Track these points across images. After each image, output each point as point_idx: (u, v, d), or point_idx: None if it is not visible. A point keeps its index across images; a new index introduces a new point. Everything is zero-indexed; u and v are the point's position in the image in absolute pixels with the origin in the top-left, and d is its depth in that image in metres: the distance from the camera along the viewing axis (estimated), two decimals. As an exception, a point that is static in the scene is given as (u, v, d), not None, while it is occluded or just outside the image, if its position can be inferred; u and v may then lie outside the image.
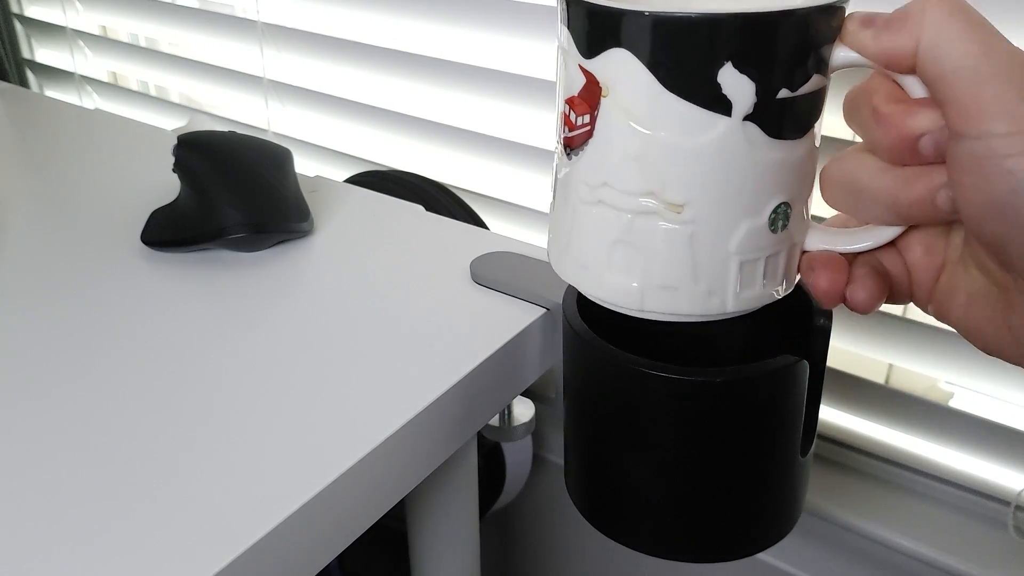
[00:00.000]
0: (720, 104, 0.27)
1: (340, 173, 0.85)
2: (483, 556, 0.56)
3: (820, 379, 0.37)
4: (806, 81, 0.28)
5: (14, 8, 1.10)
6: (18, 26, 1.11)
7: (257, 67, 0.87)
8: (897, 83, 0.27)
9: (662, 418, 0.34)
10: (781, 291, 0.31)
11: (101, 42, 1.04)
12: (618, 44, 0.27)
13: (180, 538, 0.30)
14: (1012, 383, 0.54)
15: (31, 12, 1.09)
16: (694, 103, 0.27)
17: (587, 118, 0.29)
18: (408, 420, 0.36)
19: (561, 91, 0.30)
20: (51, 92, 1.14)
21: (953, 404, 0.58)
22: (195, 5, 0.93)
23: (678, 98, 0.27)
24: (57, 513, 0.31)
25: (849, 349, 0.59)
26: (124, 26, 1.02)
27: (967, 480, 0.59)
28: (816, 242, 0.31)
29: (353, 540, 0.35)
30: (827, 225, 0.32)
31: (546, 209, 0.77)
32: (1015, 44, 0.25)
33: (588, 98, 0.29)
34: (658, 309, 0.31)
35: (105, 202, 0.55)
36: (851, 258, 0.30)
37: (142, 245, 0.49)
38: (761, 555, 0.69)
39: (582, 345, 0.35)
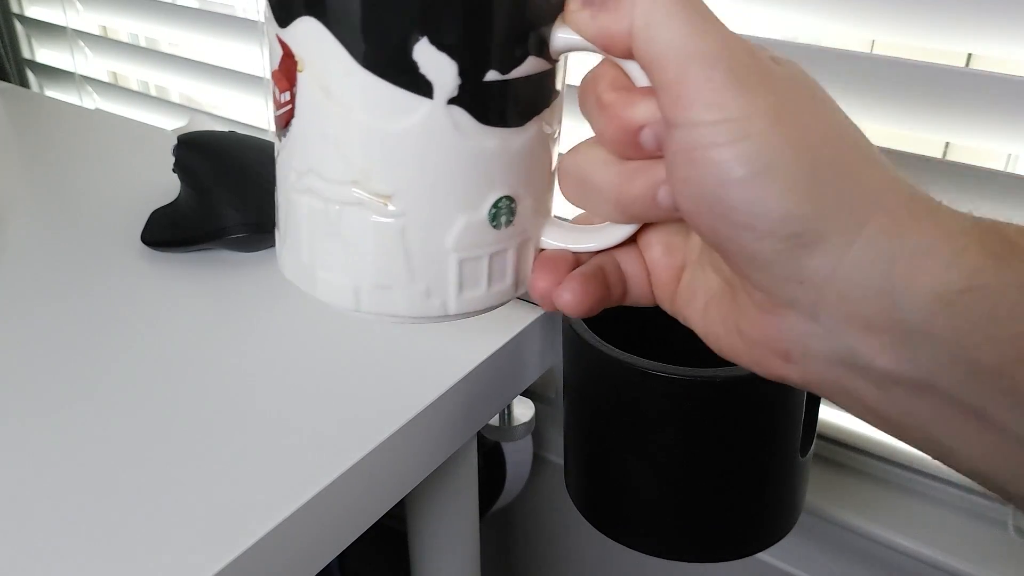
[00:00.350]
0: (420, 84, 0.25)
1: (340, 173, 0.85)
2: (483, 556, 0.56)
3: (820, 379, 0.37)
4: (520, 63, 0.26)
5: (14, 8, 1.10)
6: (18, 26, 1.11)
7: (257, 67, 0.87)
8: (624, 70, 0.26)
9: (662, 418, 0.34)
10: (514, 292, 0.29)
11: (101, 42, 1.04)
12: (307, 11, 0.25)
13: (180, 538, 0.30)
14: (1012, 383, 0.53)
15: (31, 12, 1.09)
16: (392, 82, 0.25)
17: (288, 95, 0.27)
18: (408, 420, 0.36)
19: (267, 65, 0.28)
20: (51, 92, 1.14)
21: (953, 404, 0.58)
22: (195, 5, 0.93)
23: (374, 76, 0.25)
24: (58, 513, 0.31)
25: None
26: (124, 26, 1.02)
27: (967, 480, 0.59)
28: (552, 239, 0.29)
29: (353, 540, 0.35)
30: (574, 221, 0.30)
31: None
32: (736, 31, 0.24)
33: (287, 73, 0.27)
34: (374, 309, 0.28)
35: (105, 202, 0.55)
36: (587, 257, 0.29)
37: (142, 245, 0.49)
38: (761, 555, 0.69)
39: (582, 345, 0.35)
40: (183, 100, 1.05)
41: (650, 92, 0.24)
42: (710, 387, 0.33)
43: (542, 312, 0.43)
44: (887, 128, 0.53)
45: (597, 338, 0.35)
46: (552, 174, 0.29)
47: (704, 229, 0.24)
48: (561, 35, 0.26)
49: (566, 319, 0.37)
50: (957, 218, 0.22)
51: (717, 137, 0.22)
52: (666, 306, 0.29)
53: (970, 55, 0.53)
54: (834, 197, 0.22)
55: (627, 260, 0.29)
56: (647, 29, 0.23)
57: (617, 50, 0.25)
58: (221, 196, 0.47)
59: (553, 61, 0.27)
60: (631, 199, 0.26)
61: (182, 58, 0.94)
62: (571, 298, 0.27)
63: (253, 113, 0.92)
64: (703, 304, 0.27)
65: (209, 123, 0.72)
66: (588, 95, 0.26)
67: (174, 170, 0.49)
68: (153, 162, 0.61)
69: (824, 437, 0.64)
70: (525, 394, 0.48)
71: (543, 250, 0.29)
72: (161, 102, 1.01)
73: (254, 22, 0.84)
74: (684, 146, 0.23)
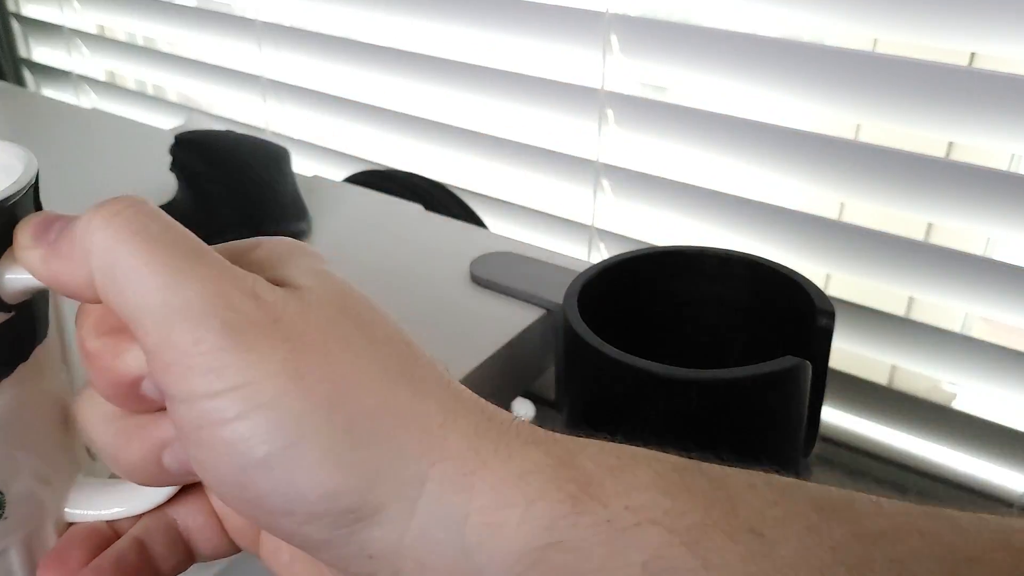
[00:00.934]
0: None
1: (338, 172, 0.84)
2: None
3: (822, 380, 0.37)
4: None
5: (11, 7, 1.09)
6: (15, 25, 1.11)
7: (255, 66, 0.86)
8: None
9: (662, 418, 0.34)
10: None
11: (98, 41, 1.04)
12: None
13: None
14: (1014, 384, 0.53)
15: (28, 11, 1.09)
16: None
17: None
18: (407, 422, 0.35)
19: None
20: (48, 91, 1.13)
21: (956, 405, 0.57)
22: (193, 4, 0.93)
23: None
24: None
25: (852, 350, 0.59)
26: (122, 25, 1.02)
27: (970, 481, 0.59)
28: (78, 508, 0.23)
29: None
30: None
31: (546, 208, 0.77)
32: (222, 261, 0.19)
33: None
34: None
35: (102, 201, 0.55)
36: (129, 524, 0.23)
37: (139, 245, 0.49)
38: (762, 557, 0.69)
39: (582, 346, 0.35)
40: (180, 99, 1.04)
41: None
42: (711, 388, 0.33)
43: (542, 312, 0.43)
44: (890, 127, 0.53)
45: (597, 338, 0.35)
46: (66, 427, 0.23)
47: (241, 514, 0.20)
48: (11, 276, 0.20)
49: (566, 319, 0.37)
50: (529, 451, 0.19)
51: (224, 411, 0.18)
52: (253, 551, 0.24)
53: (973, 54, 0.53)
54: (383, 457, 0.18)
55: (187, 512, 0.23)
56: (110, 282, 0.18)
57: (86, 298, 0.19)
58: (218, 196, 0.47)
59: (13, 306, 0.20)
60: (131, 466, 0.20)
61: (179, 57, 0.94)
62: None
63: (250, 112, 0.91)
64: (288, 559, 0.22)
65: (206, 122, 0.72)
66: (76, 337, 0.21)
67: (171, 169, 0.49)
68: (150, 161, 0.60)
69: (826, 439, 0.64)
70: (525, 394, 0.48)
71: (73, 523, 0.23)
72: (158, 101, 1.01)
73: (252, 21, 0.84)
74: (188, 424, 0.18)
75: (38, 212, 0.21)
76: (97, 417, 0.21)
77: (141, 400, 0.20)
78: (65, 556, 0.22)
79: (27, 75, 1.14)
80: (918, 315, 0.57)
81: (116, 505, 0.23)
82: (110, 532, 0.23)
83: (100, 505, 0.23)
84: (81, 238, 0.19)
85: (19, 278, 0.20)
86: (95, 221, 0.19)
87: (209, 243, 0.21)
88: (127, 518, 0.23)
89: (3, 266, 0.20)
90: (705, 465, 0.20)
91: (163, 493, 0.22)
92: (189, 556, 0.23)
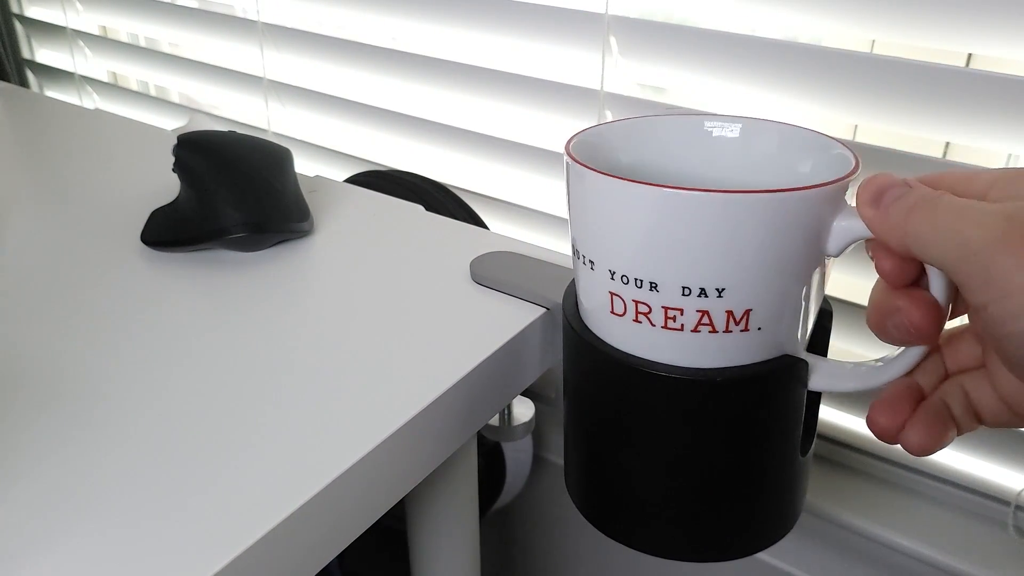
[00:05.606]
0: None
1: (340, 173, 0.85)
2: (483, 556, 0.56)
3: (820, 379, 0.37)
4: None
5: (14, 8, 1.10)
6: (18, 26, 1.11)
7: (257, 67, 0.87)
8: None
9: (662, 418, 0.34)
10: None
11: (101, 42, 1.04)
12: None
13: (179, 538, 0.30)
14: (1012, 383, 0.54)
15: (31, 12, 1.09)
16: None
17: None
18: (408, 420, 0.36)
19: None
20: (51, 92, 1.14)
21: (953, 404, 0.58)
22: (195, 5, 0.93)
23: None
24: (55, 512, 0.31)
25: (849, 348, 0.59)
26: (124, 26, 1.02)
27: (967, 480, 0.59)
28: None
29: (353, 540, 0.35)
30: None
31: (546, 208, 0.77)
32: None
33: None
34: None
35: (105, 202, 0.55)
36: (937, 385, 0.32)
37: (142, 245, 0.49)
38: (761, 555, 0.69)
39: (582, 345, 0.35)
40: (183, 100, 1.05)
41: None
42: (710, 387, 0.33)
43: (542, 312, 0.43)
44: (887, 128, 0.53)
45: (597, 338, 0.35)
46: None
47: None
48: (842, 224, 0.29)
49: (566, 319, 0.37)
50: None
51: (1008, 309, 0.24)
52: None
53: (970, 55, 0.53)
54: None
55: (976, 388, 0.31)
56: (915, 239, 0.26)
57: (892, 246, 0.28)
58: (221, 196, 0.47)
59: None
60: (871, 316, 0.30)
61: (182, 58, 0.94)
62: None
63: (253, 113, 0.92)
64: None
65: (209, 123, 0.72)
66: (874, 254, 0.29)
67: (174, 170, 0.49)
68: (153, 162, 0.61)
69: (824, 437, 0.64)
70: (525, 394, 0.48)
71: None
72: (161, 102, 1.01)
73: (253, 22, 0.84)
74: (991, 318, 0.25)
75: (875, 177, 0.28)
76: (876, 288, 0.30)
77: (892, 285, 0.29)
78: (896, 405, 0.31)
79: (30, 76, 1.14)
80: (916, 314, 0.57)
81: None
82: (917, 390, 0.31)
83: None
84: (900, 210, 0.27)
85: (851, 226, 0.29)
86: (910, 203, 0.27)
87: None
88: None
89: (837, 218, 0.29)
90: None
91: (887, 377, 0.31)
92: (979, 421, 0.31)
